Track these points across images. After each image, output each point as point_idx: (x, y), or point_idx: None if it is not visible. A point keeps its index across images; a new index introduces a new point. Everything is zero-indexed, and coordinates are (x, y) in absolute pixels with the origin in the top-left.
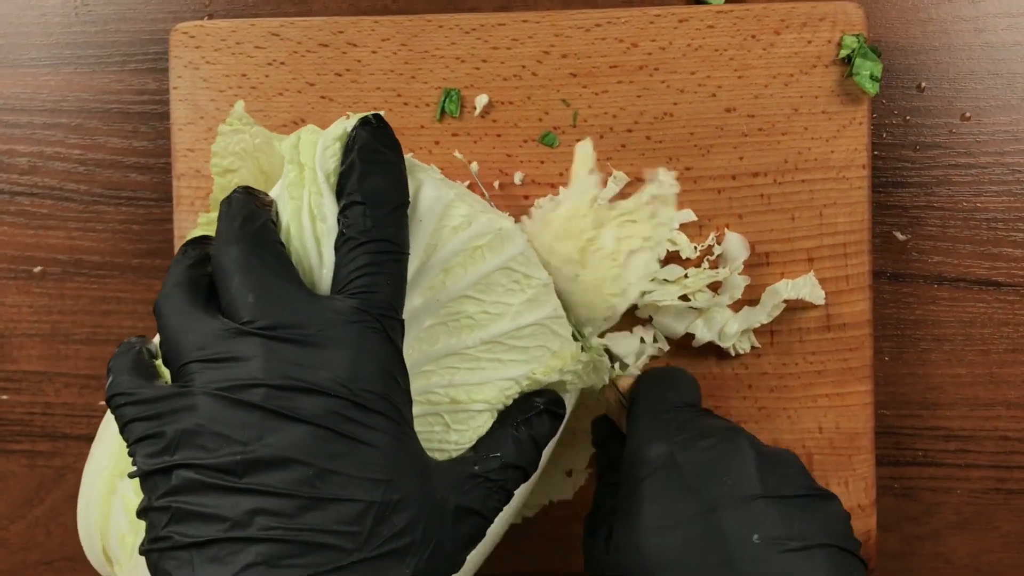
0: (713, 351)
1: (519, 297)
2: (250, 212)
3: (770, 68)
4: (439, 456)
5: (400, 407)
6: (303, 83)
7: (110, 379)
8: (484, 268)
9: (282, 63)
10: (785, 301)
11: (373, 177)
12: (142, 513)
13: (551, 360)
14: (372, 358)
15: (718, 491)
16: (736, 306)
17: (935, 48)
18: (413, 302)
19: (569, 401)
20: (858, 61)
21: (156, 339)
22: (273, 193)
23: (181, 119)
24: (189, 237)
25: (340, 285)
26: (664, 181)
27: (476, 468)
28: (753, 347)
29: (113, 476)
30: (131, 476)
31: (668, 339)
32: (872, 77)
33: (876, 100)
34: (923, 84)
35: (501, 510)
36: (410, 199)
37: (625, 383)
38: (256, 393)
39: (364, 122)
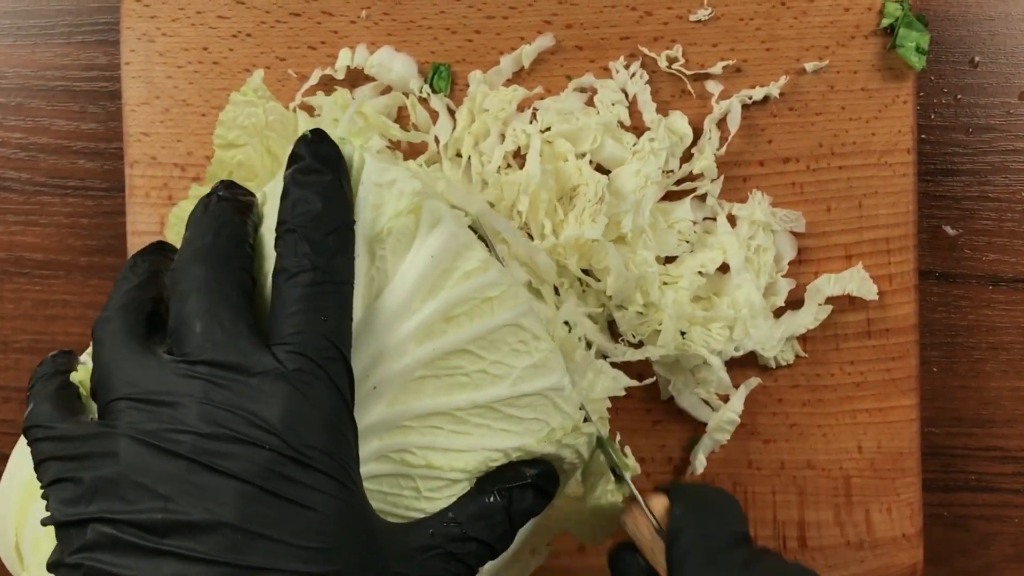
0: (735, 360)
1: (524, 360)
2: (223, 224)
3: (802, 40)
4: (402, 523)
5: (346, 465)
6: (272, 58)
7: (30, 407)
8: (492, 322)
9: (248, 35)
10: (830, 301)
11: (307, 201)
12: (53, 567)
13: (549, 434)
14: (314, 410)
15: None
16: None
17: (990, 18)
18: (406, 346)
19: (564, 477)
20: (902, 31)
21: (84, 355)
22: (273, 184)
23: (134, 99)
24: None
25: (278, 323)
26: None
27: (432, 536)
28: (798, 356)
29: None
30: (44, 523)
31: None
32: (918, 50)
33: (923, 76)
34: (976, 59)
35: None
36: (425, 232)
37: (658, 506)
38: (184, 441)
39: (301, 139)
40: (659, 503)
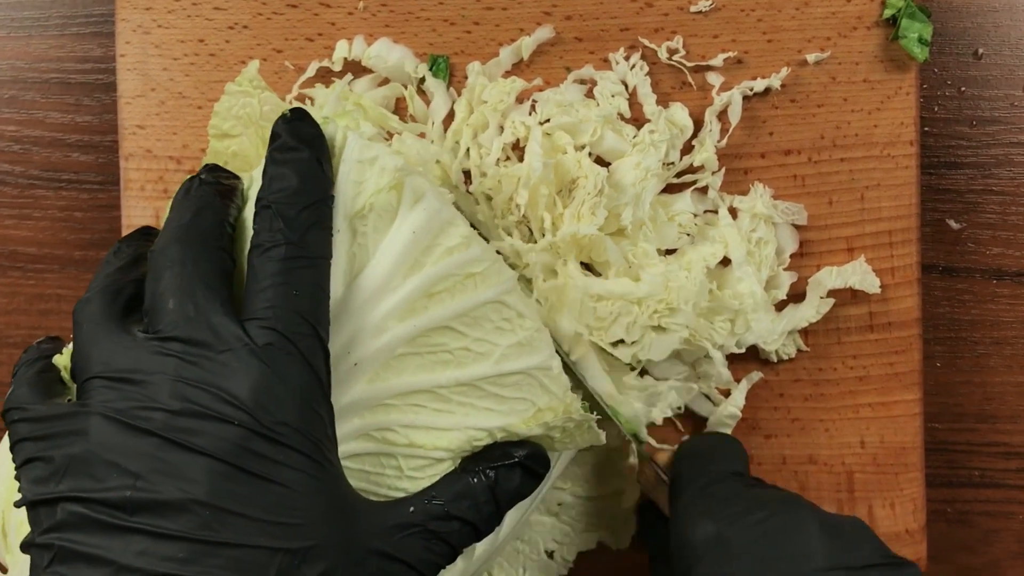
0: (736, 354)
1: (509, 338)
2: (203, 205)
3: (804, 31)
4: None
5: (318, 440)
6: (269, 50)
7: (11, 390)
8: (475, 298)
9: (245, 27)
10: (832, 294)
11: (283, 178)
12: (25, 548)
13: (536, 415)
14: (285, 386)
15: (778, 569)
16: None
17: (994, 9)
18: (388, 323)
19: (559, 462)
20: (905, 22)
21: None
22: (260, 169)
23: (129, 91)
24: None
25: (251, 299)
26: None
27: (412, 514)
28: (800, 350)
29: None
30: (16, 505)
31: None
32: (921, 41)
33: (926, 68)
34: (980, 50)
35: (443, 567)
36: (407, 209)
37: (663, 457)
38: (154, 418)
39: (281, 118)
40: (664, 455)
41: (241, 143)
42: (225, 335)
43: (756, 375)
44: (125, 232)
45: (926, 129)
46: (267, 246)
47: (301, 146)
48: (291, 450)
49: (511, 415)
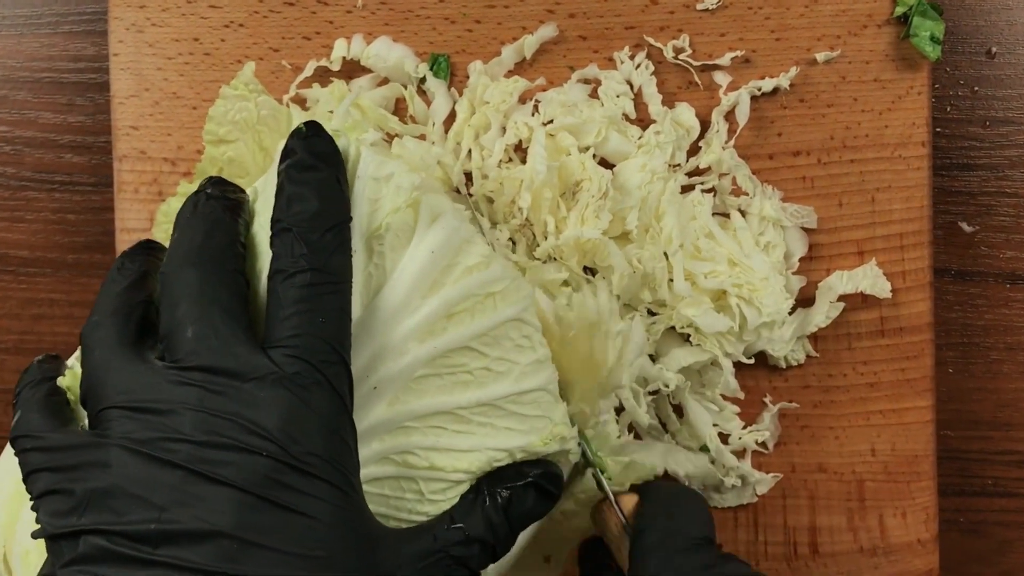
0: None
1: (528, 356)
2: (214, 224)
3: (813, 29)
4: (404, 527)
5: (346, 471)
6: (265, 48)
7: (17, 415)
8: (495, 318)
9: (240, 25)
10: (842, 298)
11: (303, 198)
12: None
13: (553, 430)
14: (314, 416)
15: None
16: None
17: (1008, 7)
18: (407, 344)
19: (567, 470)
20: (916, 20)
21: (71, 360)
22: (265, 179)
23: (123, 91)
24: (164, 217)
25: (275, 326)
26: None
27: (435, 541)
28: (809, 356)
29: None
30: (35, 536)
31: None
32: (933, 39)
33: (938, 67)
34: (994, 49)
35: None
36: (424, 227)
37: (629, 503)
38: (179, 450)
39: (295, 132)
40: (630, 501)
41: (237, 148)
42: (251, 364)
43: (783, 405)
44: (119, 235)
45: (938, 130)
46: (291, 271)
47: (319, 164)
48: (320, 481)
49: (531, 433)
